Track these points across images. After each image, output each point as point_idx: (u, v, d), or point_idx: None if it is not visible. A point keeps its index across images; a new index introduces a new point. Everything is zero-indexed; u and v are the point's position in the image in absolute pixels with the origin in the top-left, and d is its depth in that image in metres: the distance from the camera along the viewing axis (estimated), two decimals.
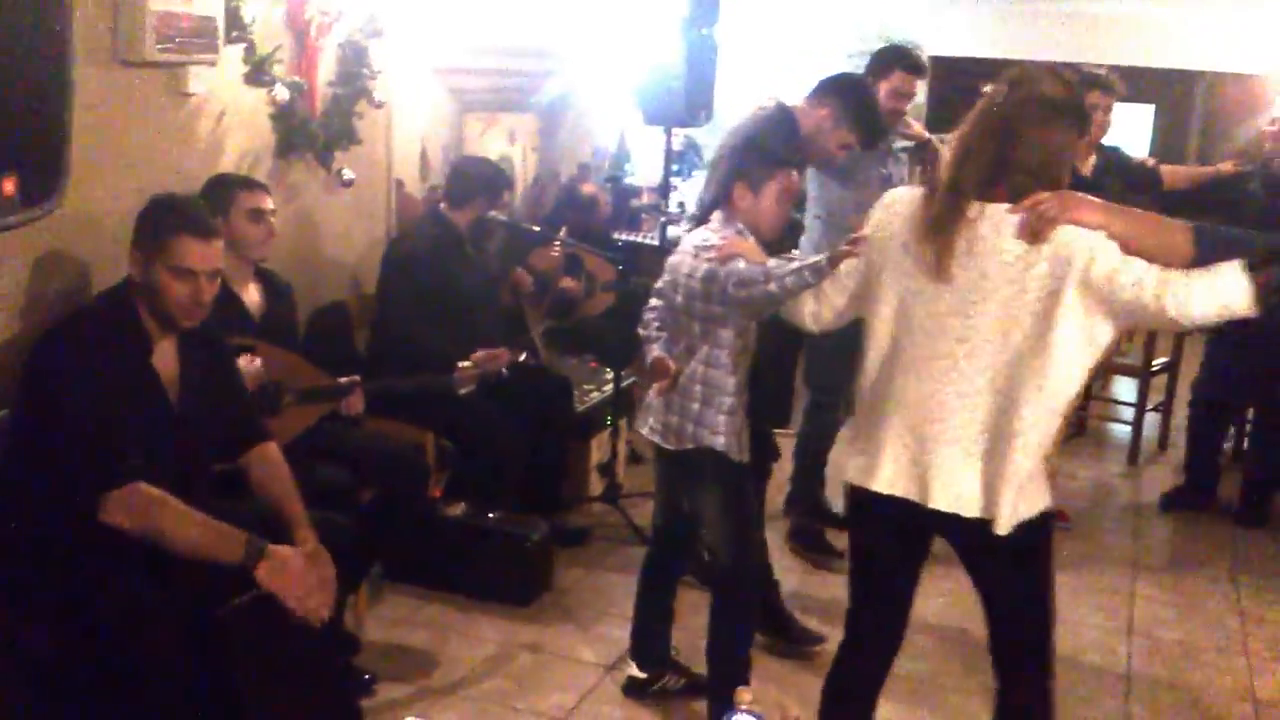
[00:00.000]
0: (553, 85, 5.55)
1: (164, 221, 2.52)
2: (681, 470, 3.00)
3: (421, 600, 3.70)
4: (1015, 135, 2.16)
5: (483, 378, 3.72)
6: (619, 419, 4.66)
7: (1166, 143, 8.23)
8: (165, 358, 2.55)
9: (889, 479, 2.27)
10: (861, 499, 2.34)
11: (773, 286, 2.56)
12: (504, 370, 3.83)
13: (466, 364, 3.60)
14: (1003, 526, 2.16)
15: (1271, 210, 4.39)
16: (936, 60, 8.23)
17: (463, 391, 3.62)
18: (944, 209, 2.19)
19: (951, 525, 2.24)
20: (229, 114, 3.50)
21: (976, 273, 2.17)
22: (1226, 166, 4.74)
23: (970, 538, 2.25)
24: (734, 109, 7.27)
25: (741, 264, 2.70)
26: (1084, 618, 3.92)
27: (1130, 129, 8.20)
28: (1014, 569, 2.29)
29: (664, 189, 5.29)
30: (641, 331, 3.08)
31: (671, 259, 2.96)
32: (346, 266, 4.19)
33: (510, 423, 3.91)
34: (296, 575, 2.44)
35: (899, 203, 2.32)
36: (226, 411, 2.71)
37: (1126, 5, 7.69)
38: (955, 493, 2.21)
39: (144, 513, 2.37)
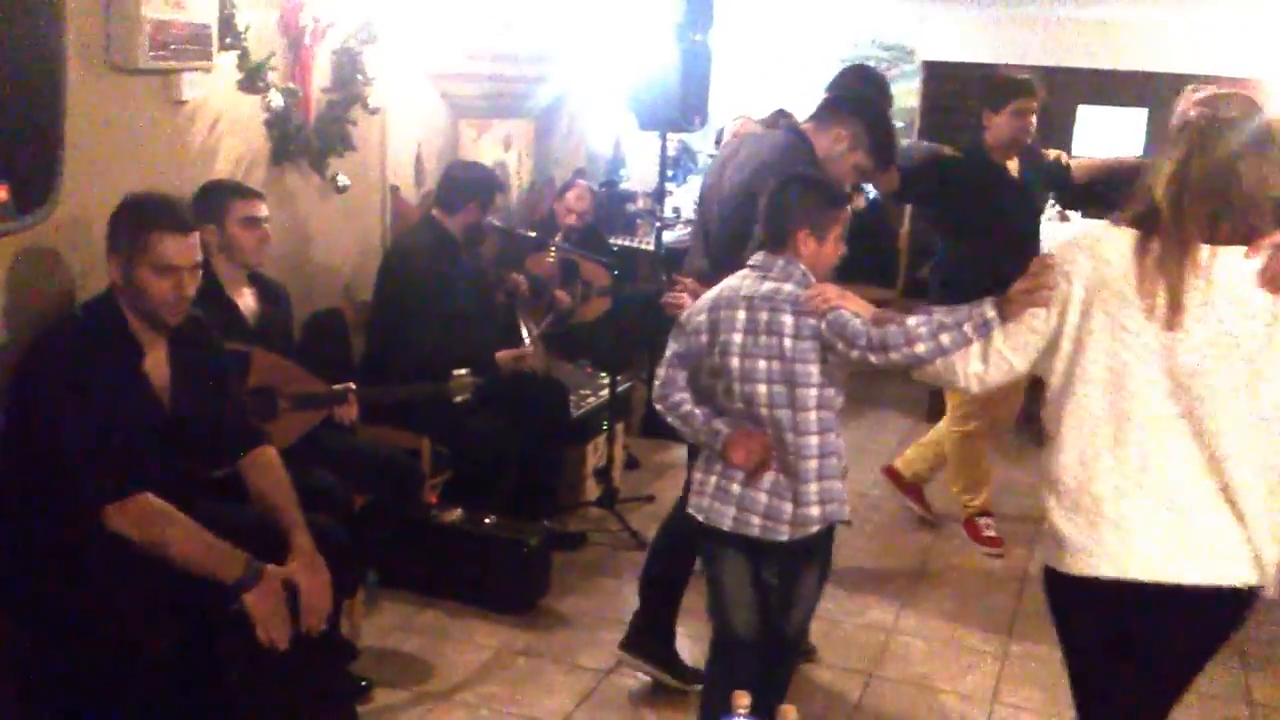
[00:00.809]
0: (547, 91, 5.55)
1: (139, 221, 2.51)
2: (795, 557, 2.61)
3: (417, 606, 3.69)
4: (1232, 168, 1.95)
5: (493, 381, 3.75)
6: (615, 423, 4.66)
7: (1160, 146, 8.22)
8: (157, 364, 2.55)
9: (1143, 564, 2.00)
10: (1093, 589, 2.06)
11: (921, 349, 2.23)
12: (533, 368, 3.97)
13: (462, 371, 3.60)
14: (1273, 588, 2.00)
15: None
16: (929, 65, 8.26)
17: (459, 398, 3.61)
18: (1172, 252, 1.95)
19: (1199, 602, 2.02)
20: (223, 121, 3.49)
21: (1215, 324, 1.94)
22: (1128, 158, 4.77)
23: (1221, 609, 2.05)
24: (728, 114, 7.33)
25: (853, 319, 2.38)
26: None
27: (1123, 134, 8.23)
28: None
29: (659, 194, 5.31)
30: (672, 405, 2.62)
31: (719, 317, 2.54)
32: (341, 272, 4.19)
33: (506, 428, 3.91)
34: (276, 607, 2.43)
35: (1103, 244, 2.02)
36: (221, 416, 2.70)
37: (1119, 10, 7.71)
38: (1219, 564, 2.00)
39: (150, 524, 2.37)
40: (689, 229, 6.20)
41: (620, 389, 4.73)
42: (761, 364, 2.49)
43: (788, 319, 2.47)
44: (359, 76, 3.99)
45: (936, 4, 7.84)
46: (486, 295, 4.29)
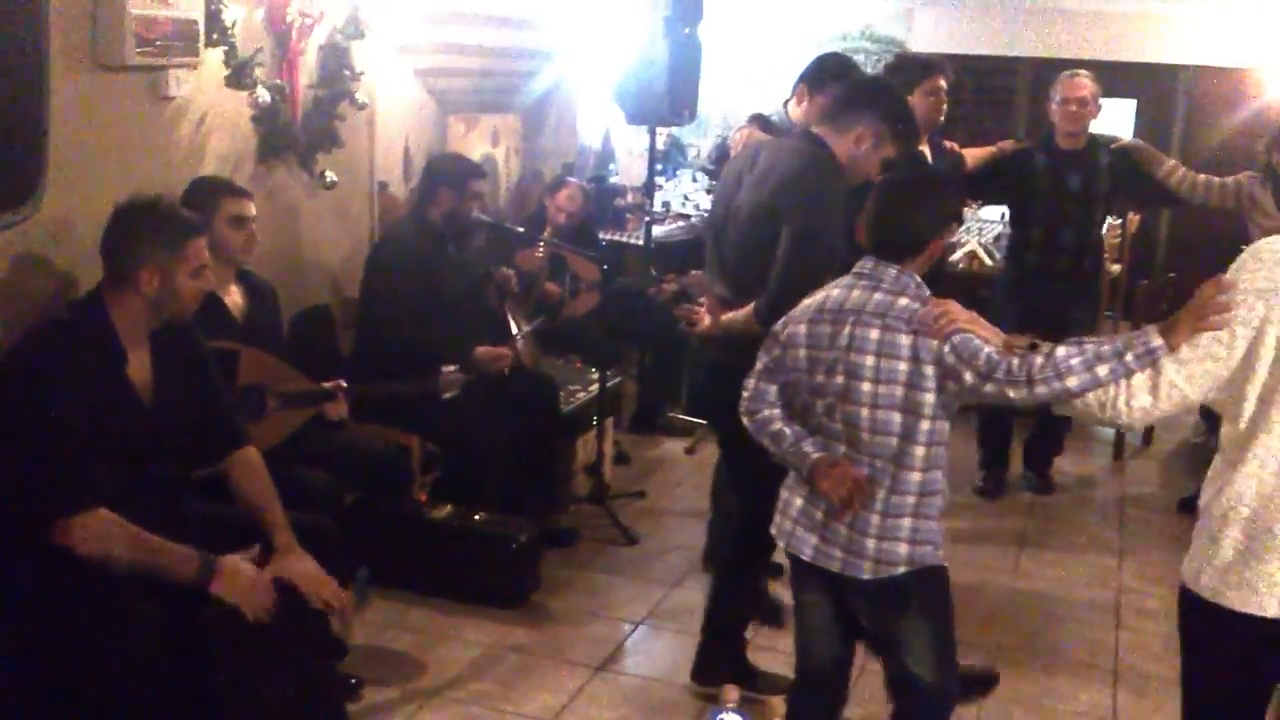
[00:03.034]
0: (536, 85, 5.54)
1: (178, 229, 2.55)
2: (883, 600, 2.38)
3: (408, 604, 3.69)
4: None
5: (481, 378, 3.73)
6: (605, 419, 4.66)
7: (1149, 136, 8.25)
8: (140, 366, 2.54)
9: None
10: (1248, 625, 1.96)
11: (1073, 382, 2.01)
12: (505, 370, 3.87)
13: (451, 368, 3.59)
14: None
15: (1058, 182, 4.58)
16: (919, 58, 8.27)
17: (448, 395, 3.61)
18: None
19: None
20: (210, 117, 3.48)
21: None
22: (1007, 145, 4.78)
23: None
24: (718, 109, 7.34)
25: (986, 346, 2.16)
26: (1071, 611, 3.95)
27: (1114, 123, 8.24)
28: None
29: (648, 188, 5.30)
30: (760, 422, 2.45)
31: (822, 331, 2.34)
32: (329, 269, 4.18)
33: (495, 425, 3.90)
34: (249, 584, 2.45)
35: None
36: (204, 417, 2.70)
37: (1108, 1, 7.72)
38: None
39: (97, 539, 2.36)
40: (679, 224, 6.23)
41: (610, 384, 4.72)
42: (867, 387, 2.26)
43: (904, 339, 2.23)
44: (346, 72, 3.97)
45: None
46: (475, 289, 4.27)
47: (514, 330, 4.45)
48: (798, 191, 2.76)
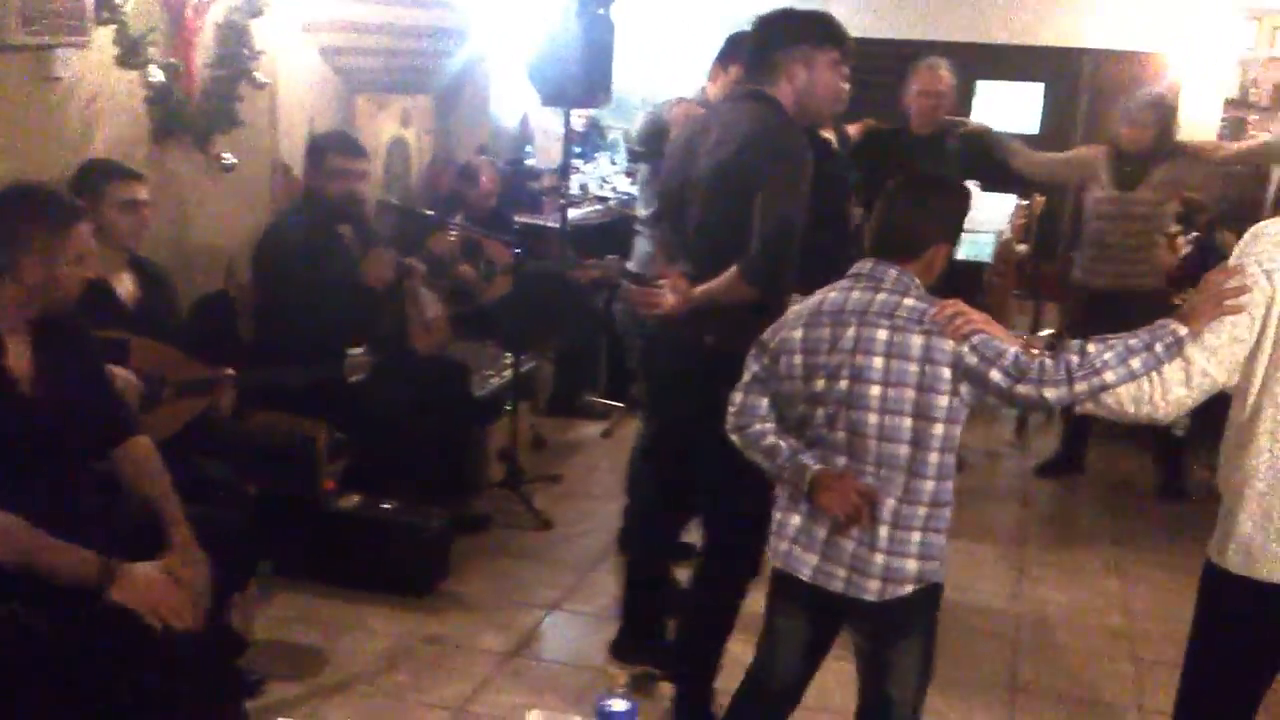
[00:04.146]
0: (449, 65, 5.45)
1: (62, 216, 2.44)
2: (887, 622, 2.26)
3: (314, 596, 3.62)
4: None
5: (390, 359, 3.65)
6: (519, 403, 4.63)
7: (1055, 119, 8.41)
8: (20, 356, 2.44)
9: None
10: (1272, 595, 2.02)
11: (1110, 377, 1.98)
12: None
13: (356, 351, 3.52)
14: None
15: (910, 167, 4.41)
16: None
17: (353, 378, 3.54)
18: None
19: None
20: (100, 98, 3.36)
21: None
22: (870, 124, 4.76)
23: None
24: (638, 91, 7.31)
25: (1010, 347, 2.08)
26: (973, 583, 4.01)
27: (1021, 107, 8.38)
28: None
29: (564, 170, 5.26)
30: (752, 437, 2.31)
31: (822, 335, 2.22)
32: (229, 254, 4.06)
33: (406, 410, 3.84)
34: (149, 590, 2.35)
35: None
36: (90, 407, 2.60)
37: None
38: None
39: None
40: (597, 207, 6.19)
41: (524, 368, 4.69)
42: (875, 390, 2.13)
43: (916, 339, 2.12)
44: (245, 51, 3.87)
45: None
46: (352, 271, 4.04)
47: (427, 316, 4.38)
48: (764, 148, 2.66)
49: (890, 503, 2.16)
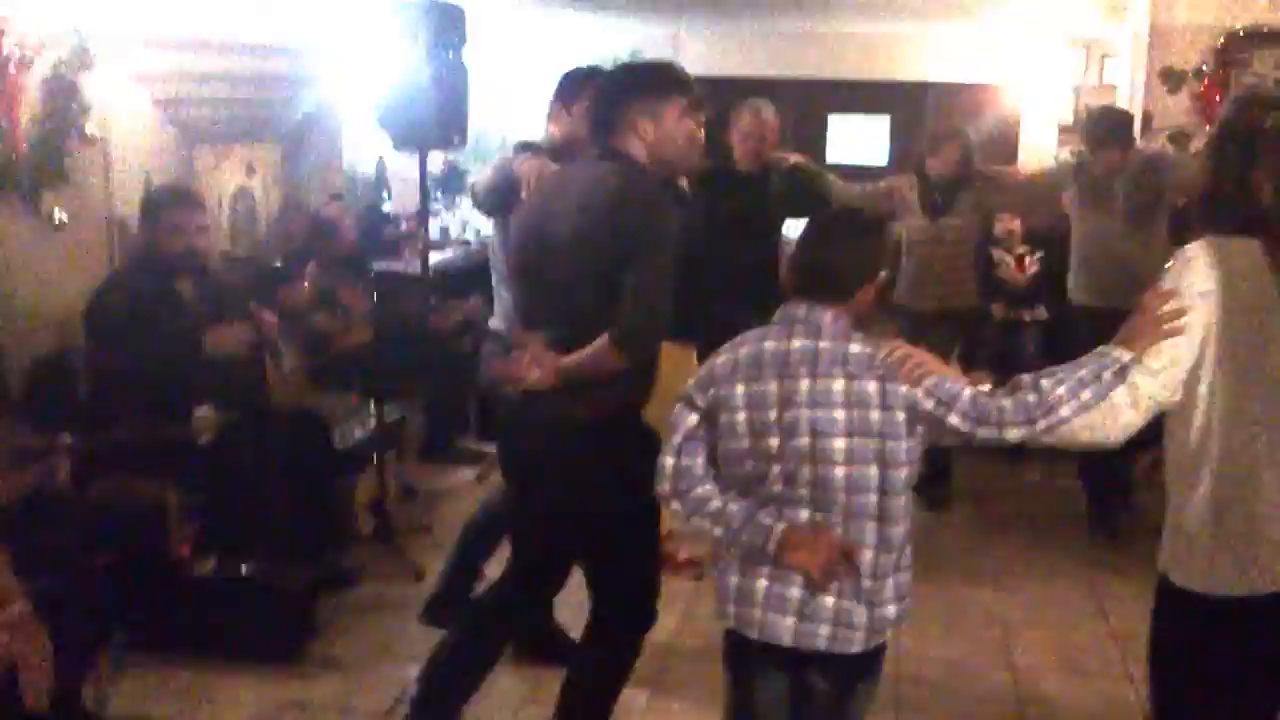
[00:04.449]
0: (294, 113, 5.35)
1: None
2: (855, 669, 2.22)
3: (174, 667, 3.43)
4: None
5: (244, 418, 3.51)
6: (386, 453, 4.52)
7: (901, 151, 8.71)
8: None
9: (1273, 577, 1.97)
10: (1239, 608, 2.00)
11: (1065, 411, 1.99)
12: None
13: (203, 410, 3.39)
14: None
15: (735, 203, 4.55)
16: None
17: (203, 439, 3.40)
18: None
19: None
20: None
21: None
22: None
23: None
24: (497, 133, 7.29)
25: (965, 389, 2.06)
26: None
27: (870, 139, 8.66)
28: None
29: (422, 215, 5.19)
30: (694, 502, 2.17)
31: (766, 388, 2.11)
32: (63, 315, 3.87)
33: (263, 468, 3.71)
34: None
35: (1233, 257, 1.97)
36: None
37: (859, 24, 8.10)
38: None
39: None
40: (460, 250, 6.14)
41: (389, 417, 4.59)
42: (840, 443, 2.06)
43: (871, 385, 2.06)
44: (74, 105, 3.72)
45: (687, 21, 8.03)
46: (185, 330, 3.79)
47: (281, 369, 4.25)
48: (630, 212, 2.51)
49: (866, 553, 2.10)
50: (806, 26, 8.24)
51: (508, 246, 3.17)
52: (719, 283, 4.27)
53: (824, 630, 2.13)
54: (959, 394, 2.05)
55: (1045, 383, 2.02)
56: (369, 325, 4.72)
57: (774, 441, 2.10)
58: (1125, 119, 4.81)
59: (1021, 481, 5.51)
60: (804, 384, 2.08)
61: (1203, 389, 1.98)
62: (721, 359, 2.18)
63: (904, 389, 2.06)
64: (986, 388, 2.07)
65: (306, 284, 4.68)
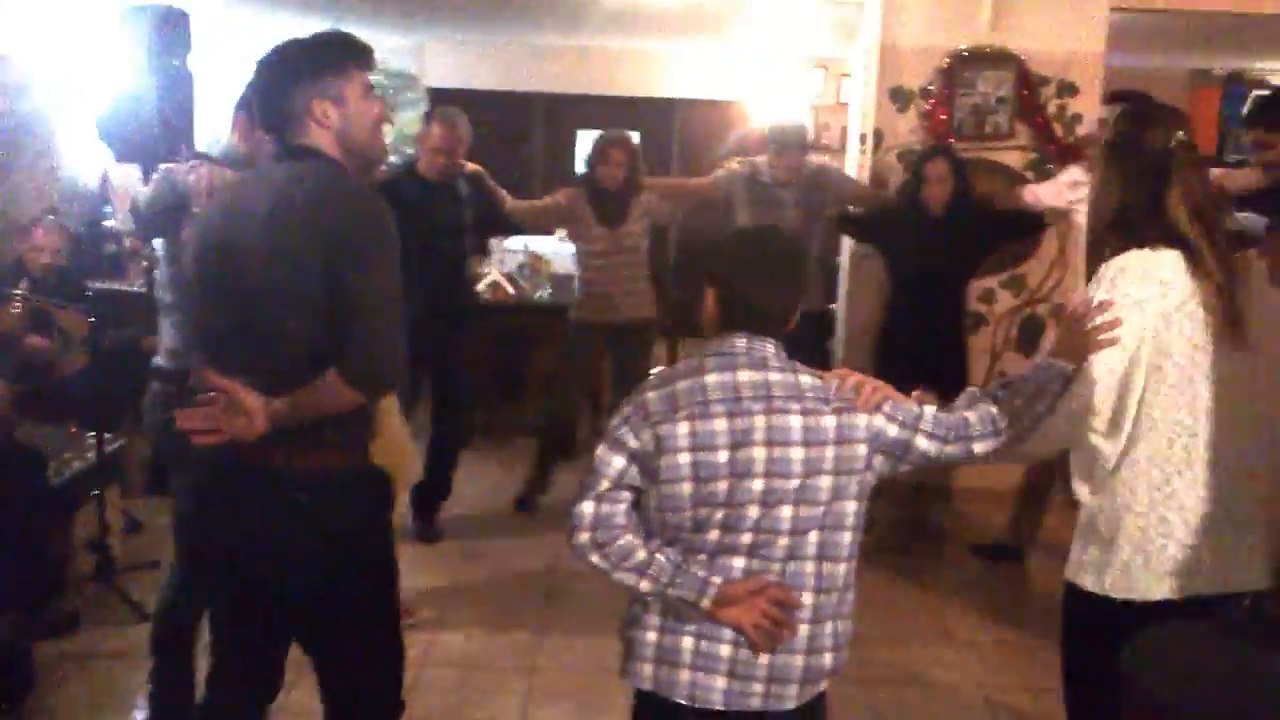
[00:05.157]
0: (5, 120, 4.95)
1: None
2: None
3: None
4: (1209, 181, 2.18)
5: None
6: (107, 487, 4.23)
7: (651, 165, 8.88)
8: None
9: (1186, 580, 2.07)
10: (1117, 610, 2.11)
11: (1026, 422, 2.02)
12: None
13: None
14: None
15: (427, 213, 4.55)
16: (435, 92, 8.34)
17: None
18: (1234, 264, 2.08)
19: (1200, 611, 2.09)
20: None
21: (1260, 327, 2.09)
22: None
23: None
24: (219, 142, 6.95)
25: (928, 409, 2.02)
26: None
27: None
28: None
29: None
30: (616, 554, 1.96)
31: (713, 427, 1.91)
32: None
33: None
34: None
35: (1162, 267, 2.07)
36: None
37: (607, 39, 8.22)
38: (1250, 573, 2.12)
39: None
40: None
41: (110, 448, 4.30)
42: (794, 484, 1.91)
43: (828, 420, 1.93)
44: None
45: (431, 34, 7.93)
46: None
47: None
48: (337, 219, 2.08)
49: (807, 596, 1.96)
50: (555, 40, 8.29)
51: (177, 272, 2.89)
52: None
53: (757, 689, 1.98)
54: (921, 414, 2.00)
55: (1001, 394, 2.05)
56: (86, 350, 4.41)
57: (721, 485, 1.91)
58: (800, 130, 5.06)
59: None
60: (759, 420, 1.91)
61: (1131, 397, 2.08)
62: (652, 394, 1.97)
63: (863, 419, 1.95)
64: (932, 408, 2.04)
65: (17, 306, 4.33)
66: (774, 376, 1.95)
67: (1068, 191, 4.57)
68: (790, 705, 1.99)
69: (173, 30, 4.39)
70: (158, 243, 3.12)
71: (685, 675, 1.98)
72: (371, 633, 2.30)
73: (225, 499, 2.22)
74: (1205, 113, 8.76)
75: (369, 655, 2.30)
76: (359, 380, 2.08)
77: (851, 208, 5.20)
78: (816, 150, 8.78)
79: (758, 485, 1.90)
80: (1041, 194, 4.67)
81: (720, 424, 1.91)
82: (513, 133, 8.61)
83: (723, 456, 1.90)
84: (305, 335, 2.08)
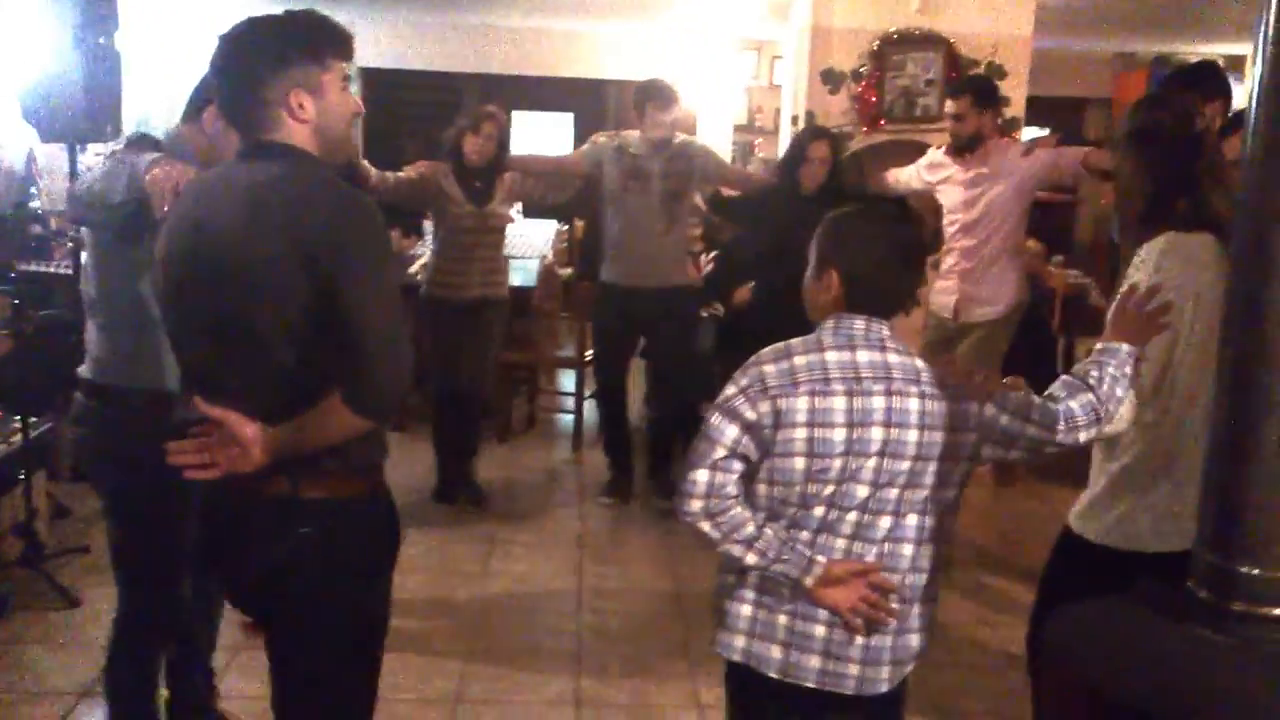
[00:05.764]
0: None
1: None
2: (878, 711, 2.07)
3: None
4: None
5: None
6: (34, 472, 4.16)
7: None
8: None
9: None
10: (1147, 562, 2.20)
11: (1112, 407, 2.05)
12: None
13: None
14: None
15: None
16: (367, 72, 8.26)
17: None
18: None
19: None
20: None
21: None
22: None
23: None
24: (156, 120, 6.84)
25: (1034, 397, 2.02)
26: (538, 603, 4.12)
27: (554, 135, 8.79)
28: None
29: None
30: (728, 525, 1.93)
31: (833, 404, 1.90)
32: None
33: None
34: None
35: (1203, 250, 2.17)
36: None
37: (540, 19, 8.19)
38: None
39: None
40: None
41: (38, 431, 4.22)
42: (906, 465, 1.92)
43: (944, 406, 1.93)
44: None
45: (363, 13, 7.84)
46: None
47: None
48: (327, 226, 1.86)
49: (897, 579, 1.97)
50: (488, 21, 8.24)
51: (131, 279, 2.53)
52: None
53: (852, 670, 1.99)
54: (1030, 403, 2.00)
55: (1092, 380, 2.06)
56: (9, 333, 4.32)
57: (835, 463, 1.90)
58: (670, 85, 4.97)
59: None
60: (879, 401, 1.91)
61: (1171, 375, 2.21)
62: (770, 367, 1.93)
63: (975, 408, 1.96)
64: (1036, 397, 2.05)
65: None
66: (893, 359, 1.95)
67: (926, 173, 4.72)
68: (884, 689, 2.00)
69: (100, 7, 4.31)
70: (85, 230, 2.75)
71: (778, 652, 2.00)
72: (358, 678, 2.09)
73: (224, 529, 2.04)
74: (1131, 95, 8.95)
75: (336, 703, 2.09)
76: (367, 405, 1.87)
77: (725, 190, 5.19)
78: (750, 132, 8.95)
79: (871, 465, 1.91)
80: (902, 176, 4.84)
81: (839, 401, 1.90)
82: (446, 113, 8.52)
83: (839, 435, 1.90)
84: (296, 357, 1.88)
